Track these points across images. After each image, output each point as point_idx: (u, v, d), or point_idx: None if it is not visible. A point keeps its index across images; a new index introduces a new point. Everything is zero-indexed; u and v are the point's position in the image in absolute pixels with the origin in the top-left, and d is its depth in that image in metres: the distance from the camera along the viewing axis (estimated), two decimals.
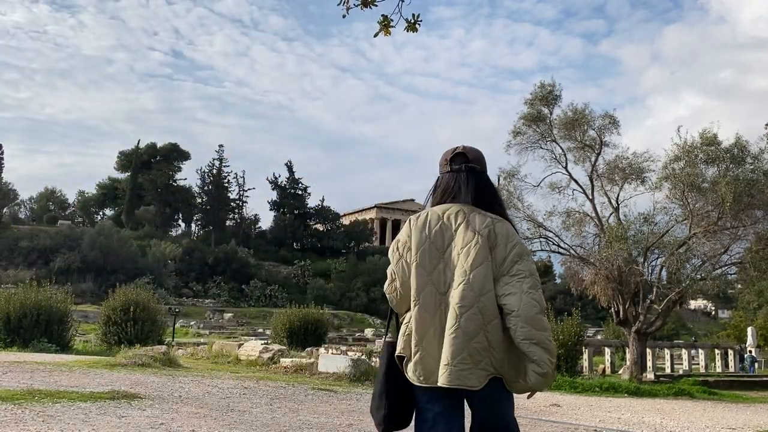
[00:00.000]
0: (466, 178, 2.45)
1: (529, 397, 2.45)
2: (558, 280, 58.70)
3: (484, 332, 2.24)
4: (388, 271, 2.47)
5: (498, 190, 2.67)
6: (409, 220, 2.46)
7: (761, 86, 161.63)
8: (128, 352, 12.49)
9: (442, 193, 2.48)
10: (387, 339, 2.51)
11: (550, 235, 19.00)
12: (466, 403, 2.42)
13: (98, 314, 22.43)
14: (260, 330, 36.53)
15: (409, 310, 2.37)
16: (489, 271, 2.28)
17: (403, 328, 2.38)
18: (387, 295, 2.47)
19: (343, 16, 4.45)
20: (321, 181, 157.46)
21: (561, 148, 19.49)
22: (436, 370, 2.25)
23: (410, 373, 2.31)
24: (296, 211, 71.63)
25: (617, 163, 18.81)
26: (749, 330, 29.24)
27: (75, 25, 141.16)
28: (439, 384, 2.23)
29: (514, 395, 2.42)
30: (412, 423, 2.44)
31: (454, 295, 2.27)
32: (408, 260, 2.38)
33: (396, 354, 2.37)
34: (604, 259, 17.28)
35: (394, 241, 2.48)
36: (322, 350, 16.96)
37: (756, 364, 27.14)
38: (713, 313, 70.44)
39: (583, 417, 9.43)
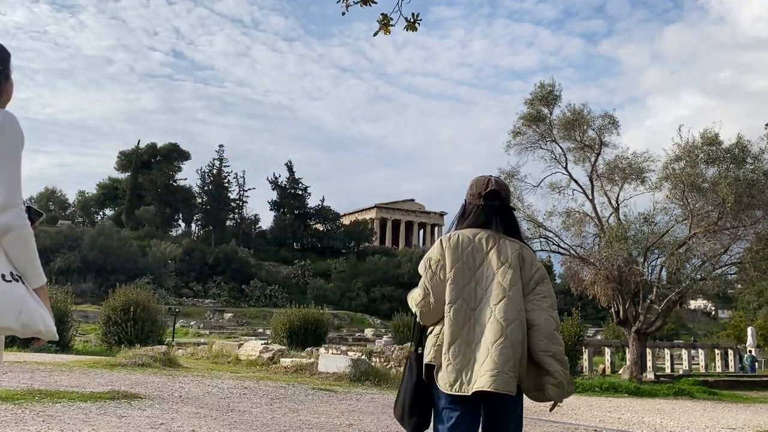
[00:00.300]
0: (498, 215, 2.68)
1: (551, 409, 2.65)
2: (558, 280, 58.59)
3: (522, 344, 2.47)
4: (420, 286, 2.62)
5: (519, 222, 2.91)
6: (440, 240, 2.65)
7: (761, 86, 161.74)
8: (128, 352, 12.50)
9: (471, 224, 2.68)
10: (415, 351, 2.70)
11: (550, 235, 19.00)
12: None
13: (98, 314, 22.46)
14: (260, 330, 36.52)
15: (437, 323, 2.57)
16: (522, 289, 2.55)
17: (432, 339, 2.56)
18: (417, 308, 2.61)
19: (343, 14, 4.47)
20: (321, 181, 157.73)
21: (561, 148, 19.49)
22: (460, 377, 2.44)
23: (440, 381, 2.49)
24: (296, 211, 71.61)
25: (617, 163, 18.81)
26: (749, 330, 29.23)
27: (75, 25, 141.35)
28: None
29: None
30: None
31: (498, 310, 2.48)
32: (441, 277, 2.56)
33: (426, 362, 2.55)
34: (604, 259, 17.27)
35: (425, 258, 2.65)
36: (322, 350, 16.95)
37: (756, 364, 27.14)
38: (713, 313, 70.41)
39: (583, 417, 9.43)
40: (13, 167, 1.84)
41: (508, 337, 2.42)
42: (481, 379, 2.38)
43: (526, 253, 2.62)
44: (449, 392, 2.44)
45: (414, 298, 2.63)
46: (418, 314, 2.62)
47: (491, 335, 2.43)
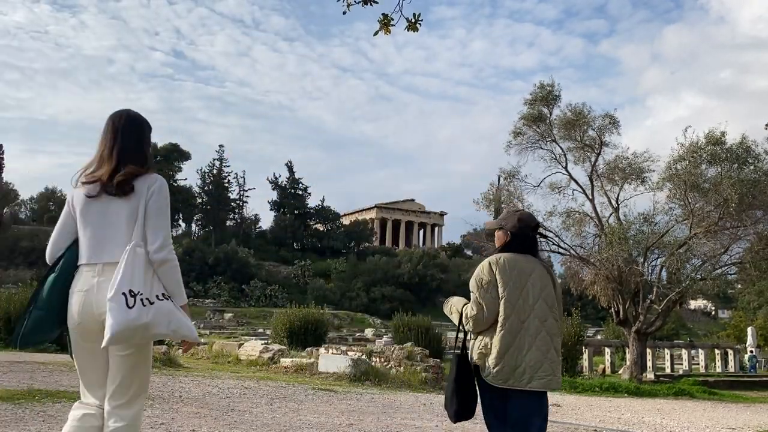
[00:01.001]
0: (536, 245, 3.41)
1: None
2: (558, 280, 58.64)
3: (559, 350, 3.25)
4: (474, 301, 3.15)
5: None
6: (490, 262, 3.19)
7: (761, 86, 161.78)
8: None
9: (515, 250, 3.26)
10: (455, 352, 3.31)
11: (550, 235, 18.99)
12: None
13: None
14: (260, 330, 36.45)
15: (482, 332, 3.15)
16: (556, 307, 3.27)
17: (477, 344, 3.16)
18: (471, 318, 3.14)
19: (344, 13, 4.47)
20: (321, 181, 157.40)
21: (561, 148, 19.50)
22: (512, 376, 3.05)
23: (491, 378, 3.07)
24: (296, 211, 71.53)
25: (617, 163, 18.81)
26: (749, 330, 29.19)
27: (76, 25, 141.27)
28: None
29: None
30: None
31: (548, 327, 3.15)
32: (493, 295, 3.11)
33: (473, 364, 3.16)
34: (605, 260, 17.27)
35: (477, 278, 3.19)
36: (322, 350, 16.92)
37: (757, 364, 27.12)
38: (713, 313, 70.36)
39: (583, 417, 9.43)
40: (167, 219, 2.58)
41: (554, 349, 3.15)
42: (540, 381, 3.05)
43: (554, 276, 3.33)
44: (503, 387, 3.04)
45: (461, 310, 3.21)
46: (470, 324, 3.14)
47: (545, 347, 3.10)
